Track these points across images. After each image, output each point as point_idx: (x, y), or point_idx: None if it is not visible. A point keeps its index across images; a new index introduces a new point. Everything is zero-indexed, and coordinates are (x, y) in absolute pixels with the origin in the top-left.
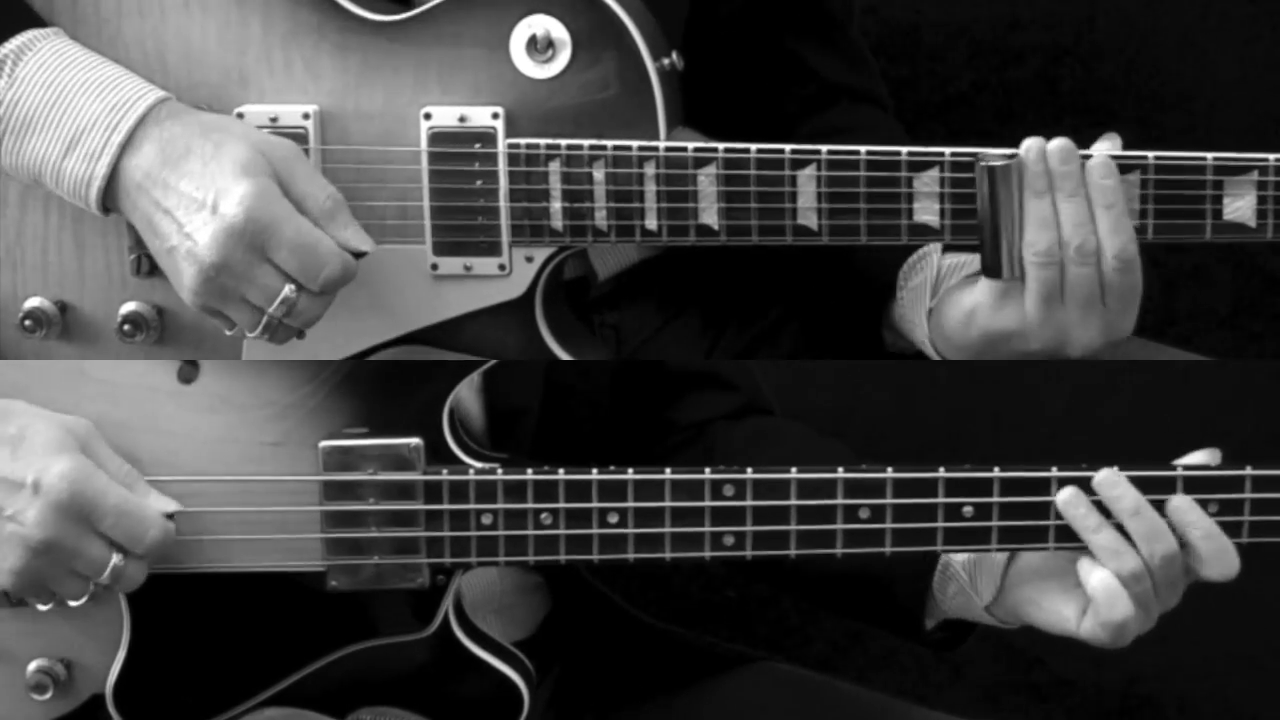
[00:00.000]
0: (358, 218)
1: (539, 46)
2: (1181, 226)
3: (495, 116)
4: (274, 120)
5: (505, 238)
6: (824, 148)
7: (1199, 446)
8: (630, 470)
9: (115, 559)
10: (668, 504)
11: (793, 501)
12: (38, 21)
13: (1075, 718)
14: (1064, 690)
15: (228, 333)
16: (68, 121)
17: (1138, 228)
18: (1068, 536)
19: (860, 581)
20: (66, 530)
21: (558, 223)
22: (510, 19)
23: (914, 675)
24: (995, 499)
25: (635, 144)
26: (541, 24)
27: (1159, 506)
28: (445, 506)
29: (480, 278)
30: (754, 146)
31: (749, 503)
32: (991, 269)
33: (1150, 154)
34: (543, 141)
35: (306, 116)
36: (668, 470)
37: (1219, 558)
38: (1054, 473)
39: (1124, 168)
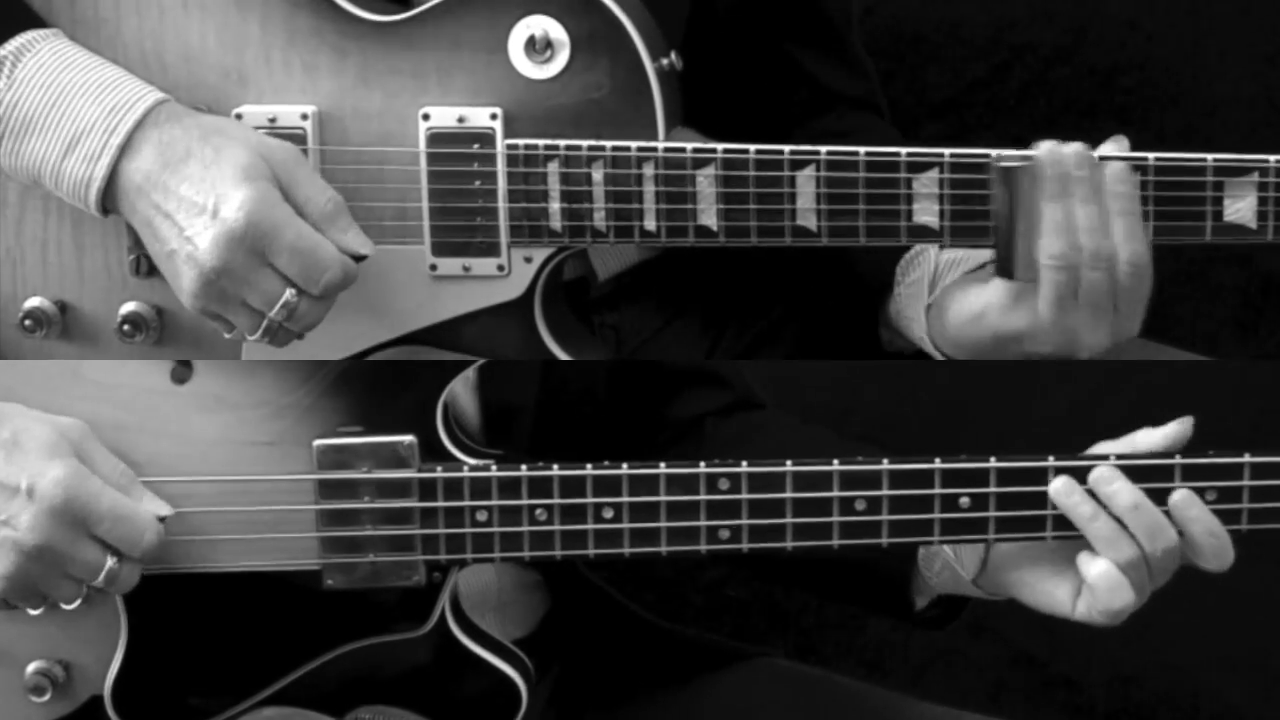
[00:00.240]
0: (356, 218)
1: (537, 47)
2: (1182, 228)
3: (494, 117)
4: (272, 121)
5: (504, 238)
6: (823, 149)
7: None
8: (625, 465)
9: (110, 562)
10: (663, 498)
11: (788, 494)
12: (37, 22)
13: (1076, 717)
14: (1064, 690)
15: (227, 336)
16: (67, 123)
17: None
18: (1065, 526)
19: (846, 564)
20: (60, 535)
21: (556, 223)
22: (509, 20)
23: (913, 674)
24: (992, 489)
25: (634, 144)
26: (540, 24)
27: (1157, 496)
28: (440, 504)
29: (479, 278)
30: (753, 147)
31: (744, 496)
32: (1005, 270)
33: (1151, 155)
34: (541, 142)
35: (305, 117)
36: (662, 465)
37: (1217, 553)
38: (1051, 462)
39: None
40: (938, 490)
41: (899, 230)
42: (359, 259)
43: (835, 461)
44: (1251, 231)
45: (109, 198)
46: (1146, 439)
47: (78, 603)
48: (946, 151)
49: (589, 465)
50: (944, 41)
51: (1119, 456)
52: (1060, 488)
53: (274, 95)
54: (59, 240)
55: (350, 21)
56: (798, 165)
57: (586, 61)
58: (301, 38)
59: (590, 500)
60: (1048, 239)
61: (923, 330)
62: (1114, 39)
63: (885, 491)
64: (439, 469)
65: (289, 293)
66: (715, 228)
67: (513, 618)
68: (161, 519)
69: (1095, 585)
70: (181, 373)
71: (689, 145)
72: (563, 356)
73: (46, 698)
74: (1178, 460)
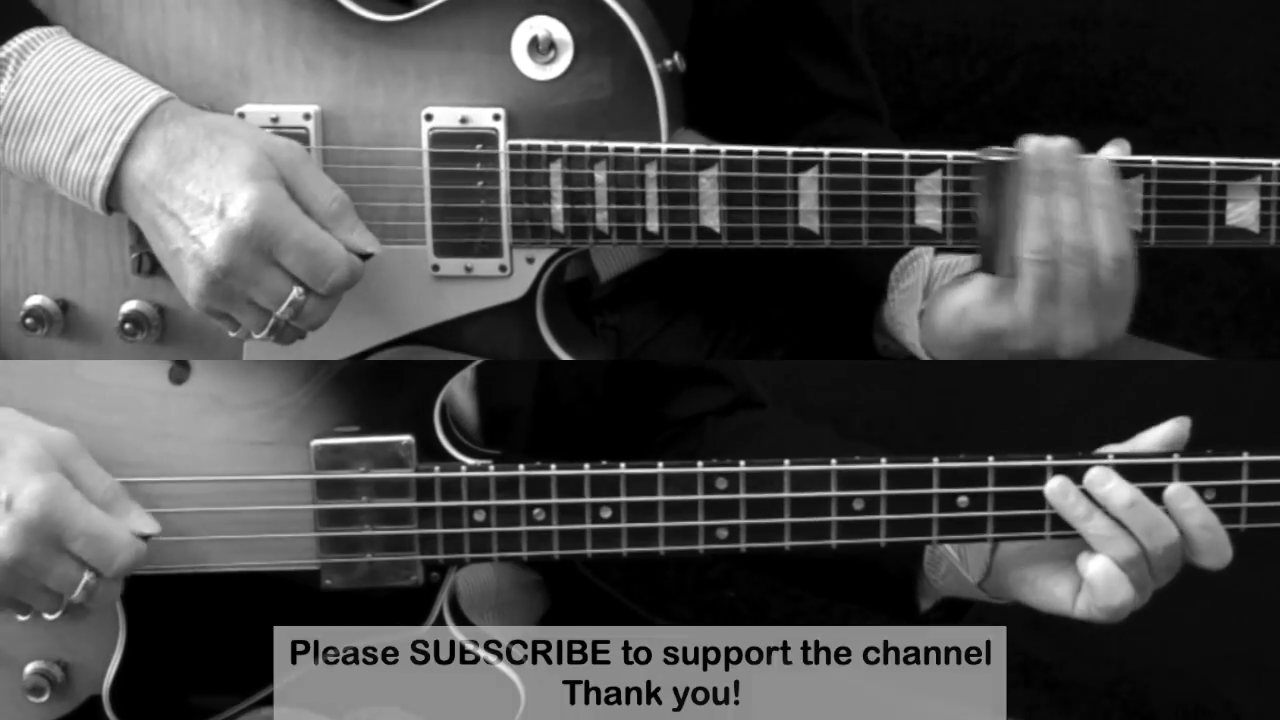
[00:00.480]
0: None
1: (540, 48)
2: (1184, 231)
3: (496, 117)
4: (275, 120)
5: (506, 239)
6: (826, 151)
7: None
8: (623, 465)
9: (86, 578)
10: (660, 498)
11: (786, 494)
12: (40, 20)
13: (1076, 717)
14: (1065, 690)
15: (231, 334)
16: (71, 121)
17: (1140, 232)
18: (1064, 525)
19: (852, 565)
20: (34, 550)
21: (559, 224)
22: (512, 20)
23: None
24: (990, 489)
25: (637, 145)
26: (543, 25)
27: (1156, 496)
28: (438, 503)
29: (481, 279)
30: (756, 149)
31: (742, 496)
32: (988, 265)
33: (1153, 158)
34: (544, 143)
35: (308, 116)
36: (660, 464)
37: (1214, 548)
38: (1049, 461)
39: (1127, 172)
40: (936, 490)
41: (901, 233)
42: (365, 257)
43: (833, 461)
44: (1254, 235)
45: (113, 196)
46: (1145, 442)
47: (59, 614)
48: (949, 154)
49: (587, 465)
50: (944, 41)
51: (1117, 455)
52: (1055, 488)
53: (277, 94)
54: (61, 238)
55: (353, 21)
56: (800, 167)
57: (589, 62)
58: (304, 37)
59: (588, 500)
60: (1030, 233)
61: (915, 336)
62: (1115, 40)
63: (883, 491)
64: (436, 469)
65: (296, 291)
66: (718, 229)
67: (512, 617)
68: (145, 537)
69: (1093, 581)
70: (179, 373)
71: (692, 147)
72: (564, 357)
73: (45, 698)
74: (1176, 459)
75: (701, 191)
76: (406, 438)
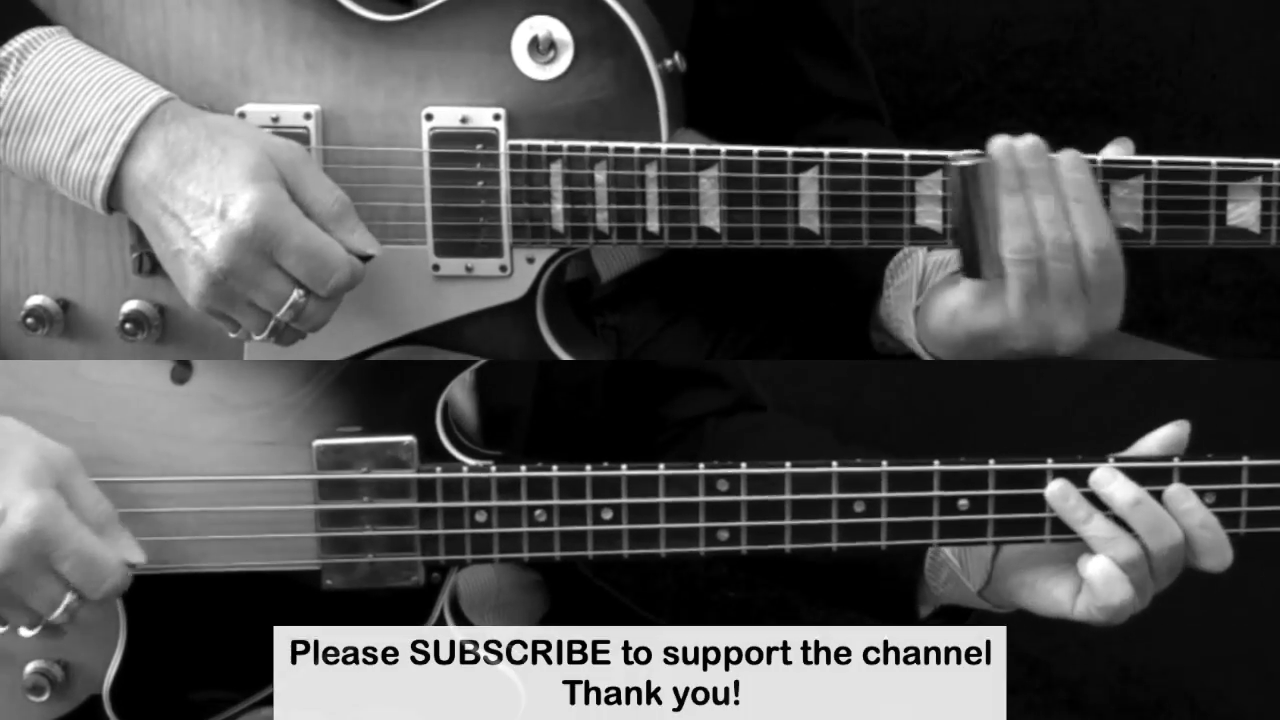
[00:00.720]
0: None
1: (541, 48)
2: (1185, 232)
3: (497, 117)
4: (275, 120)
5: (506, 239)
6: (826, 151)
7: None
8: (624, 466)
9: (69, 599)
10: (662, 500)
11: (787, 496)
12: (41, 20)
13: (1076, 718)
14: (1065, 690)
15: (232, 335)
16: (72, 121)
17: (1141, 233)
18: (1064, 529)
19: (852, 570)
20: (21, 565)
21: (559, 224)
22: (512, 20)
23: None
24: (991, 492)
25: (637, 145)
26: (543, 25)
27: (1155, 499)
28: (439, 504)
29: (481, 279)
30: (756, 149)
31: (743, 498)
32: (971, 270)
33: (1154, 159)
34: (544, 143)
35: (308, 116)
36: (661, 466)
37: (1215, 550)
38: (1050, 464)
39: (1128, 172)
40: (936, 492)
41: (902, 233)
42: (366, 259)
43: (834, 463)
44: (1255, 236)
45: (114, 196)
46: (1144, 446)
47: (35, 631)
48: (949, 154)
49: (588, 466)
50: (944, 41)
51: (1117, 458)
52: (1055, 491)
53: (277, 94)
54: (62, 238)
55: (354, 21)
56: (801, 167)
57: (590, 62)
58: (305, 37)
59: (589, 501)
60: (1009, 233)
61: (911, 332)
62: (1115, 40)
63: (884, 493)
64: (438, 469)
65: (296, 293)
66: (718, 229)
67: (512, 617)
68: (131, 565)
69: (1093, 581)
70: (181, 373)
71: (692, 147)
72: (565, 357)
73: (45, 697)
74: (1176, 463)
75: (702, 191)
76: (408, 438)
